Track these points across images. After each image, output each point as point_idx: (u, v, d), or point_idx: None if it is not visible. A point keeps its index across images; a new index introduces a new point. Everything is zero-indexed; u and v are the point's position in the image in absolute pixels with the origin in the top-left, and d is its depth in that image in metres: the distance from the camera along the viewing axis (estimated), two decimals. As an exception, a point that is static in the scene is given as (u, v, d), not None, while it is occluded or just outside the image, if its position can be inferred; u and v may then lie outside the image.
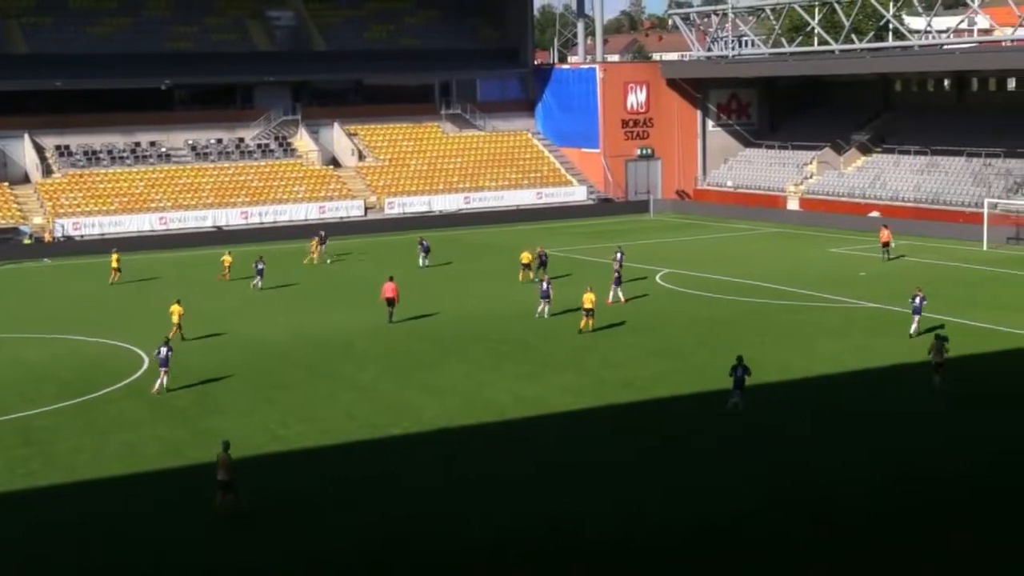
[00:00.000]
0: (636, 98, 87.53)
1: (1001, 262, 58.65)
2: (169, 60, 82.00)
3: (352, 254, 66.26)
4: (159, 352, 36.32)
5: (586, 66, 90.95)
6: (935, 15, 76.87)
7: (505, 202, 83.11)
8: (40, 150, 77.72)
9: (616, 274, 50.36)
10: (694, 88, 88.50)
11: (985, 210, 64.85)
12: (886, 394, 34.92)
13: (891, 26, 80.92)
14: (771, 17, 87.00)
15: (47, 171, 76.87)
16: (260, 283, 55.31)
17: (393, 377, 38.03)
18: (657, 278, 55.70)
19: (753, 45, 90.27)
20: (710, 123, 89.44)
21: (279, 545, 24.57)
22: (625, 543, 24.20)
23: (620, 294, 49.29)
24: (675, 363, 39.02)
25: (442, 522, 25.56)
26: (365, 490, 27.74)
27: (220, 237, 73.31)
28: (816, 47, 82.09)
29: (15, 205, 73.46)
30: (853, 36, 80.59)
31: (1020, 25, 71.03)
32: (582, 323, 43.60)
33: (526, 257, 56.03)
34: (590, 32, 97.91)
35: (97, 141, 79.51)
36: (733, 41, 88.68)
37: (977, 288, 51.50)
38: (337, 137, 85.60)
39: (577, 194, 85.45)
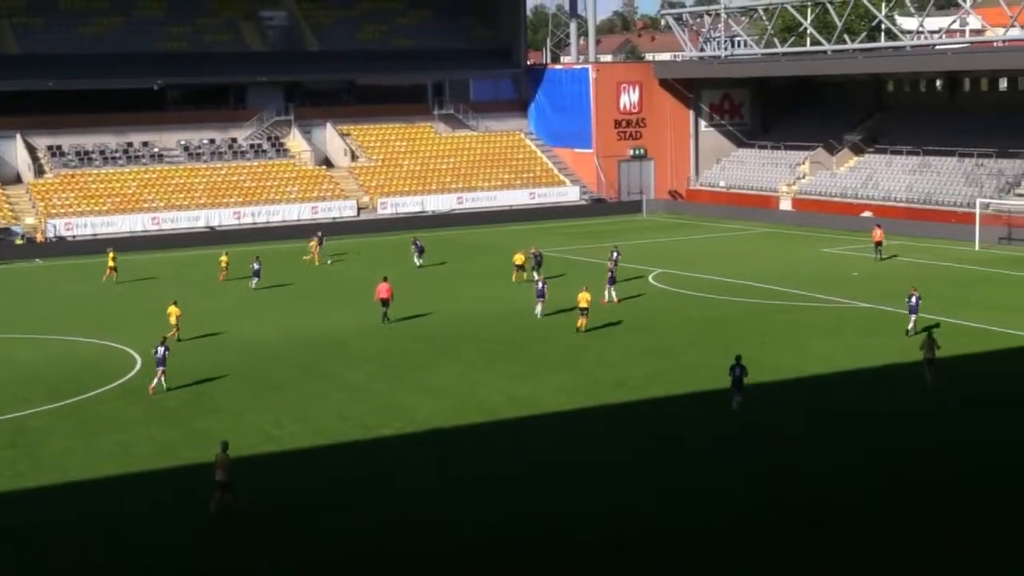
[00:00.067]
0: (629, 98, 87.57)
1: (993, 262, 58.75)
2: (162, 60, 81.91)
3: (348, 254, 66.16)
4: (156, 352, 36.29)
5: (579, 66, 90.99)
6: (927, 16, 76.97)
7: (498, 202, 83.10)
8: (32, 150, 77.59)
9: (610, 273, 50.42)
10: (687, 88, 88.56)
11: (977, 210, 64.95)
12: (879, 394, 34.95)
13: (883, 26, 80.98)
14: (763, 17, 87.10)
15: (39, 171, 76.74)
16: (257, 283, 55.29)
17: (387, 377, 38.00)
18: (650, 278, 55.73)
19: (746, 45, 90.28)
20: (703, 123, 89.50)
21: (274, 545, 24.54)
22: (619, 543, 24.19)
23: (613, 294, 49.32)
24: (668, 363, 39.04)
25: (436, 522, 25.54)
26: (359, 490, 27.71)
27: (213, 237, 73.27)
28: (808, 47, 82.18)
29: (7, 205, 73.31)
30: (845, 36, 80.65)
31: (1012, 26, 71.17)
32: (579, 322, 43.64)
33: (519, 258, 56.02)
34: (583, 32, 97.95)
35: (89, 141, 79.38)
36: (726, 41, 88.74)
37: (969, 288, 51.58)
38: (330, 137, 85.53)
39: (570, 194, 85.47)
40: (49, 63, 77.91)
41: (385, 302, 46.06)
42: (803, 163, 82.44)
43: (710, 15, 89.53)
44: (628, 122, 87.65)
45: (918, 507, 25.94)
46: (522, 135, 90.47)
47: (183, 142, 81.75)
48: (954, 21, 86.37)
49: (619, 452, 30.11)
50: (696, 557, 23.66)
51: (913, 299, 41.82)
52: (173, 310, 43.63)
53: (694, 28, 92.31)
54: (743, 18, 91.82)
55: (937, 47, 76.45)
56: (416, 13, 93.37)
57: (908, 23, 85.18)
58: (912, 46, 76.16)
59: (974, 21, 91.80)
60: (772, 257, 62.52)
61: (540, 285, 47.26)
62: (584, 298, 43.71)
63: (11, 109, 76.95)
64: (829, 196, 78.32)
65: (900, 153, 77.95)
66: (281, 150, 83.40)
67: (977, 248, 62.87)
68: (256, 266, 55.69)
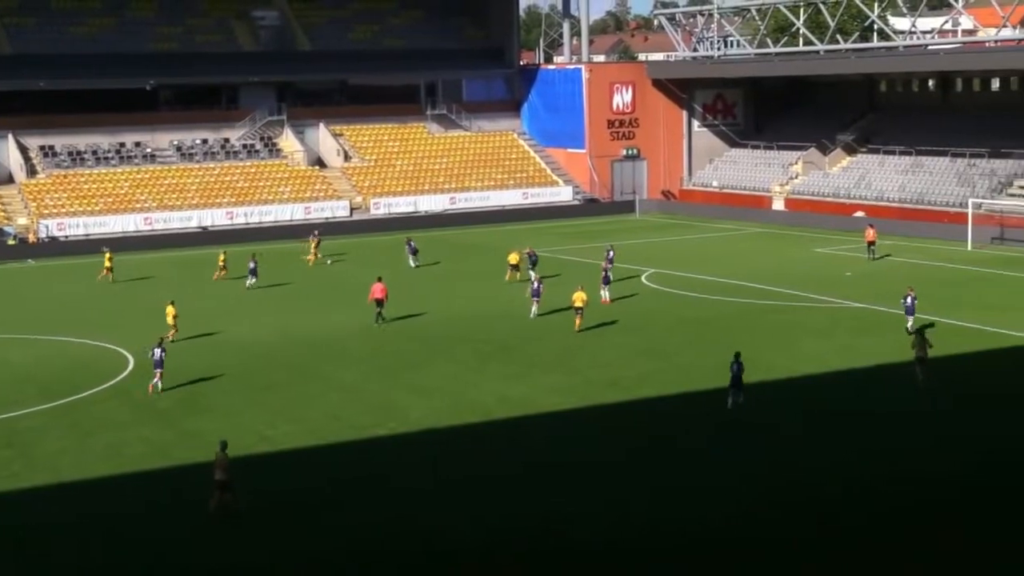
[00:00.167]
0: (622, 98, 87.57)
1: (985, 262, 58.83)
2: (154, 60, 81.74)
3: (346, 254, 65.94)
4: (153, 354, 36.22)
5: (572, 66, 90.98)
6: (919, 16, 77.10)
7: (491, 202, 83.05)
8: (24, 150, 77.39)
9: (604, 273, 50.42)
10: (680, 88, 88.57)
11: (969, 210, 65.03)
12: (872, 394, 34.96)
13: (876, 27, 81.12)
14: (756, 17, 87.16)
15: (31, 171, 76.57)
16: (253, 282, 55.27)
17: (380, 378, 37.96)
18: (643, 278, 55.72)
19: (738, 45, 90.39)
20: (696, 123, 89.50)
21: (274, 545, 24.50)
22: (615, 543, 24.17)
23: (606, 294, 49.30)
24: (661, 363, 39.04)
25: (433, 523, 25.49)
26: (355, 491, 27.67)
27: (205, 238, 73.16)
28: (801, 47, 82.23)
29: (-1, 206, 73.23)
30: (838, 36, 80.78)
31: (1004, 26, 71.31)
32: (575, 322, 43.63)
33: (514, 258, 56.02)
34: (576, 32, 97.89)
35: (82, 141, 79.22)
36: (718, 41, 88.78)
37: (962, 288, 51.64)
38: (322, 137, 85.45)
39: (563, 194, 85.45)
40: (41, 63, 77.73)
41: (379, 302, 46.02)
42: (796, 163, 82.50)
43: (703, 15, 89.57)
44: (621, 122, 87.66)
45: (915, 507, 25.92)
46: (515, 135, 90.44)
47: (175, 142, 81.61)
48: (946, 21, 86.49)
49: (613, 452, 30.09)
50: (692, 557, 23.64)
51: (908, 299, 41.90)
52: (170, 310, 43.58)
53: (687, 28, 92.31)
54: (736, 18, 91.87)
55: (929, 47, 76.57)
56: (408, 13, 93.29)
57: (900, 23, 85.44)
58: (905, 46, 76.26)
59: (966, 21, 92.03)
60: (765, 257, 62.56)
61: (536, 285, 47.27)
62: (580, 297, 43.70)
63: (3, 109, 76.69)
64: (822, 196, 78.39)
65: (893, 153, 78.04)
66: (274, 150, 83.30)
67: (969, 248, 62.96)
68: (252, 265, 55.68)
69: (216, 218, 75.61)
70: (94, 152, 78.81)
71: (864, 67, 79.43)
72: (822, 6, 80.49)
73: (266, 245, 69.49)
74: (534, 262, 55.58)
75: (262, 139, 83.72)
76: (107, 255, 58.85)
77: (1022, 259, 59.11)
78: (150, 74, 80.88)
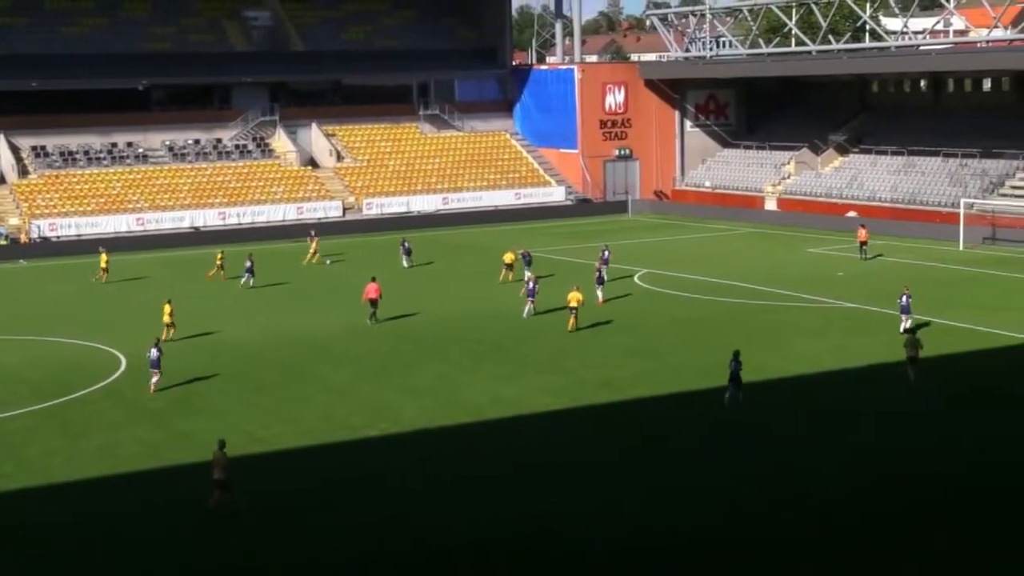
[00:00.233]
0: (614, 99, 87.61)
1: (977, 262, 58.93)
2: (146, 60, 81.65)
3: (345, 255, 65.87)
4: (150, 354, 36.19)
5: (564, 67, 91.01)
6: (911, 16, 77.19)
7: (483, 203, 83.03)
8: (16, 151, 77.26)
9: (598, 273, 50.44)
10: (672, 89, 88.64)
11: (961, 210, 65.14)
12: (865, 394, 34.99)
13: (868, 27, 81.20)
14: (748, 18, 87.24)
15: (23, 172, 76.41)
16: (250, 281, 55.26)
17: (373, 378, 37.94)
18: (635, 278, 55.74)
19: (731, 46, 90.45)
20: (688, 123, 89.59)
21: (272, 546, 24.47)
22: (609, 543, 24.17)
23: (599, 294, 49.29)
24: (654, 363, 39.05)
25: (428, 523, 25.48)
26: (350, 491, 27.64)
27: (198, 238, 73.09)
28: (793, 48, 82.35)
29: (-10, 206, 73.07)
30: (830, 37, 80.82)
31: (995, 26, 71.43)
32: (569, 322, 43.65)
33: (509, 257, 56.05)
34: (568, 33, 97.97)
35: (74, 142, 79.09)
36: (711, 42, 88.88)
37: (954, 288, 51.72)
38: (315, 138, 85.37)
39: (555, 194, 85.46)
40: (33, 63, 77.58)
41: (373, 302, 46.04)
42: (788, 163, 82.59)
43: (695, 15, 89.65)
44: (613, 122, 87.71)
45: (910, 507, 25.91)
46: (507, 135, 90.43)
47: (168, 142, 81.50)
48: (938, 22, 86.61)
49: (606, 452, 30.10)
50: (686, 557, 23.65)
51: (904, 299, 41.98)
52: (167, 308, 43.53)
53: (679, 28, 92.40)
54: (728, 19, 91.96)
55: (921, 48, 76.65)
56: (401, 13, 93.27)
57: (892, 24, 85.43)
58: (896, 47, 76.34)
59: (958, 22, 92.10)
60: (757, 257, 62.62)
61: (531, 284, 47.27)
62: (575, 298, 43.72)
63: (-5, 109, 76.74)
64: (814, 196, 78.48)
65: (885, 153, 78.15)
66: (266, 150, 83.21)
67: (961, 248, 63.06)
68: (248, 265, 55.66)
69: (208, 218, 75.52)
70: (86, 152, 78.67)
71: (856, 67, 79.54)
72: (814, 7, 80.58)
73: (258, 245, 69.31)
74: (528, 262, 55.61)
75: (254, 139, 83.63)
76: (103, 256, 58.75)
77: (1014, 259, 59.23)
78: (142, 74, 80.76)
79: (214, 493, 25.81)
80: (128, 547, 24.65)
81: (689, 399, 34.64)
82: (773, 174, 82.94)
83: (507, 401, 34.84)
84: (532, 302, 46.67)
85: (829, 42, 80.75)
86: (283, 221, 76.42)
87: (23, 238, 70.46)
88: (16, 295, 56.39)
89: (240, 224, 75.62)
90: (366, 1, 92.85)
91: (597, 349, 41.14)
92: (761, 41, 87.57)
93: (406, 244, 62.26)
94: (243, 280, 55.37)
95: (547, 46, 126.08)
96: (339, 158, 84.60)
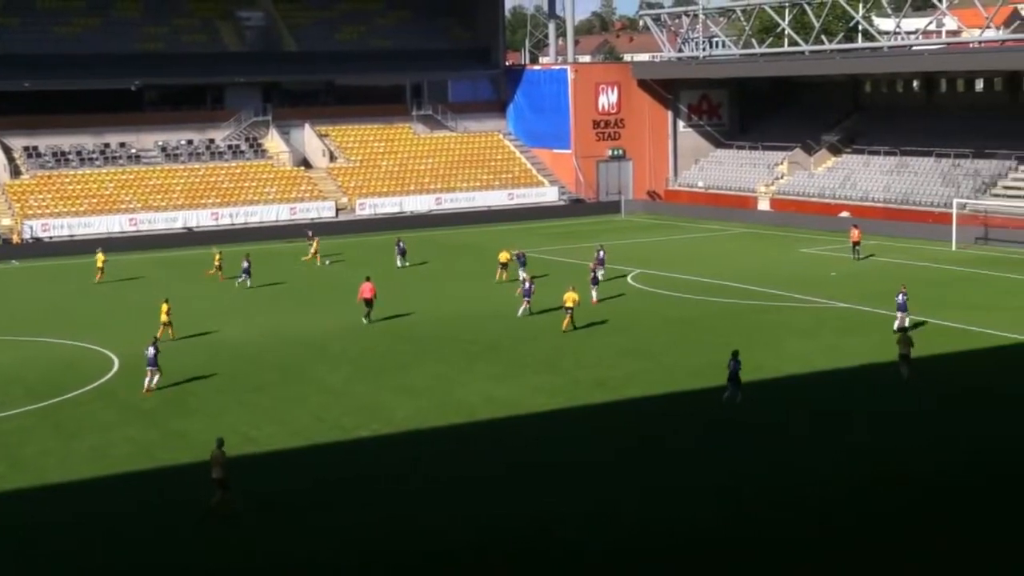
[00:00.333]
0: (607, 99, 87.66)
1: (970, 262, 59.05)
2: (139, 61, 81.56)
3: (343, 254, 65.82)
4: (147, 352, 36.15)
5: (557, 67, 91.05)
6: (904, 16, 77.33)
7: (477, 203, 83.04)
8: (8, 151, 77.12)
9: (592, 273, 50.48)
10: (665, 89, 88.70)
11: (954, 210, 65.27)
12: (858, 394, 35.03)
13: (860, 27, 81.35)
14: (741, 18, 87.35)
15: (15, 172, 76.29)
16: (247, 282, 55.26)
17: (367, 378, 37.92)
18: (629, 278, 55.78)
19: (724, 46, 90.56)
20: (681, 124, 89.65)
21: (271, 546, 24.42)
22: (606, 543, 24.18)
23: (593, 294, 49.34)
24: (647, 363, 39.08)
25: (424, 523, 25.47)
26: (344, 492, 27.62)
27: (190, 238, 73.05)
28: (786, 48, 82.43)
29: (-17, 206, 72.92)
30: (823, 37, 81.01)
31: (988, 27, 71.60)
32: (564, 322, 43.67)
33: (504, 256, 56.12)
34: (561, 33, 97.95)
35: (66, 142, 78.96)
36: (704, 42, 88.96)
37: (947, 288, 51.81)
38: (308, 138, 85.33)
39: (548, 195, 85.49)
40: (25, 63, 77.43)
41: (368, 302, 46.06)
42: (781, 163, 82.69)
43: (688, 16, 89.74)
44: (607, 123, 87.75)
45: (907, 507, 25.92)
46: (501, 136, 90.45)
47: (160, 143, 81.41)
48: (931, 22, 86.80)
49: (602, 452, 30.11)
50: (682, 557, 23.66)
51: (900, 297, 42.09)
52: (164, 307, 43.50)
53: (672, 29, 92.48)
54: (721, 19, 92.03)
55: (914, 48, 76.82)
56: (394, 14, 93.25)
57: (885, 24, 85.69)
58: (889, 47, 76.50)
59: (950, 22, 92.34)
60: (750, 257, 62.68)
61: (527, 284, 47.32)
62: (571, 298, 43.76)
63: (-13, 109, 76.61)
64: (807, 196, 78.58)
65: (877, 153, 78.28)
66: (259, 151, 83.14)
67: (954, 248, 63.18)
68: (245, 265, 55.64)
69: (201, 219, 75.46)
70: (79, 153, 78.56)
71: (849, 68, 79.66)
72: (807, 7, 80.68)
73: (252, 246, 69.23)
74: (523, 263, 55.65)
75: (247, 140, 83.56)
76: (100, 257, 58.68)
77: (1006, 259, 59.36)
78: (135, 74, 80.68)
79: (216, 492, 25.77)
80: (128, 547, 24.62)
81: (683, 399, 34.66)
82: (766, 174, 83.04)
83: (501, 401, 34.84)
84: (528, 302, 46.72)
85: (822, 42, 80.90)
86: (276, 221, 76.40)
87: (15, 239, 70.33)
88: (9, 296, 56.28)
89: (233, 224, 75.55)
90: (359, 1, 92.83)
91: (591, 349, 41.16)
92: (754, 41, 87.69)
93: (401, 244, 62.27)
94: (240, 280, 55.43)
95: (540, 46, 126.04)
96: (332, 158, 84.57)
